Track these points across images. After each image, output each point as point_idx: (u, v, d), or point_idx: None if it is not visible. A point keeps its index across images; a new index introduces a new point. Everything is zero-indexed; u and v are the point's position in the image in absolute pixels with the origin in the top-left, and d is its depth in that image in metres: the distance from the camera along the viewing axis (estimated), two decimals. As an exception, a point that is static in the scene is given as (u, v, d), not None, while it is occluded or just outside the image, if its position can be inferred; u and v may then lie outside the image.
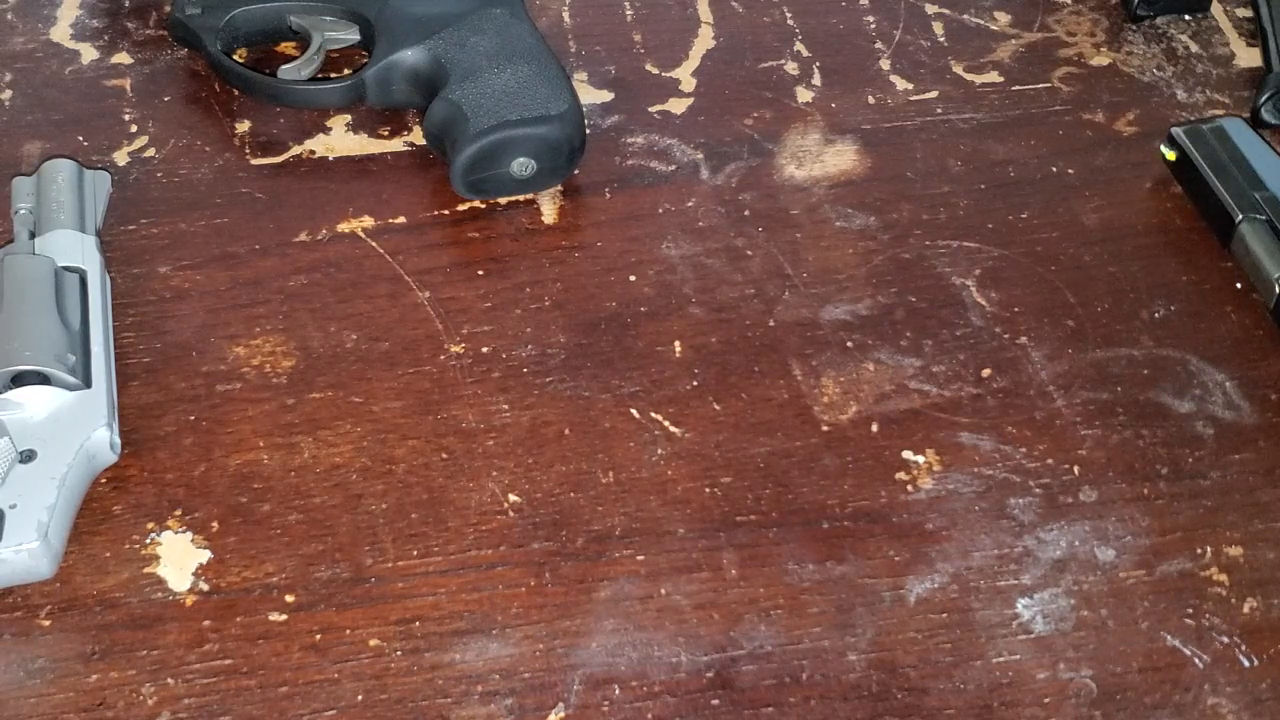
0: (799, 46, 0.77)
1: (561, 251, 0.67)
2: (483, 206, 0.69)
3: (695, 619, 0.55)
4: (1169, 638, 0.55)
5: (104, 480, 0.58)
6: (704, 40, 0.78)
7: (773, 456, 0.60)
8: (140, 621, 0.54)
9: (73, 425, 0.56)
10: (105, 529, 0.57)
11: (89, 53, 0.75)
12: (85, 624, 0.54)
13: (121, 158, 0.70)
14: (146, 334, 0.63)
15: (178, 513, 0.57)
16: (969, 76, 0.76)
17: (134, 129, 0.71)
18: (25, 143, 0.71)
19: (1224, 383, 0.63)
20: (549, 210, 0.69)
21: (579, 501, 0.58)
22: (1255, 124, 0.71)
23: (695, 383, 0.62)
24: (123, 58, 0.75)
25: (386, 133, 0.72)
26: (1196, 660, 0.54)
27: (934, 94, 0.75)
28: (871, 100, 0.74)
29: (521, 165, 0.67)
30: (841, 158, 0.72)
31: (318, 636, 0.54)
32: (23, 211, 0.64)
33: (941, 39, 0.78)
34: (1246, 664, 0.54)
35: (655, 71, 0.76)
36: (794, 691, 0.53)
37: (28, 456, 0.55)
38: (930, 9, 0.80)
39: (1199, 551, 0.57)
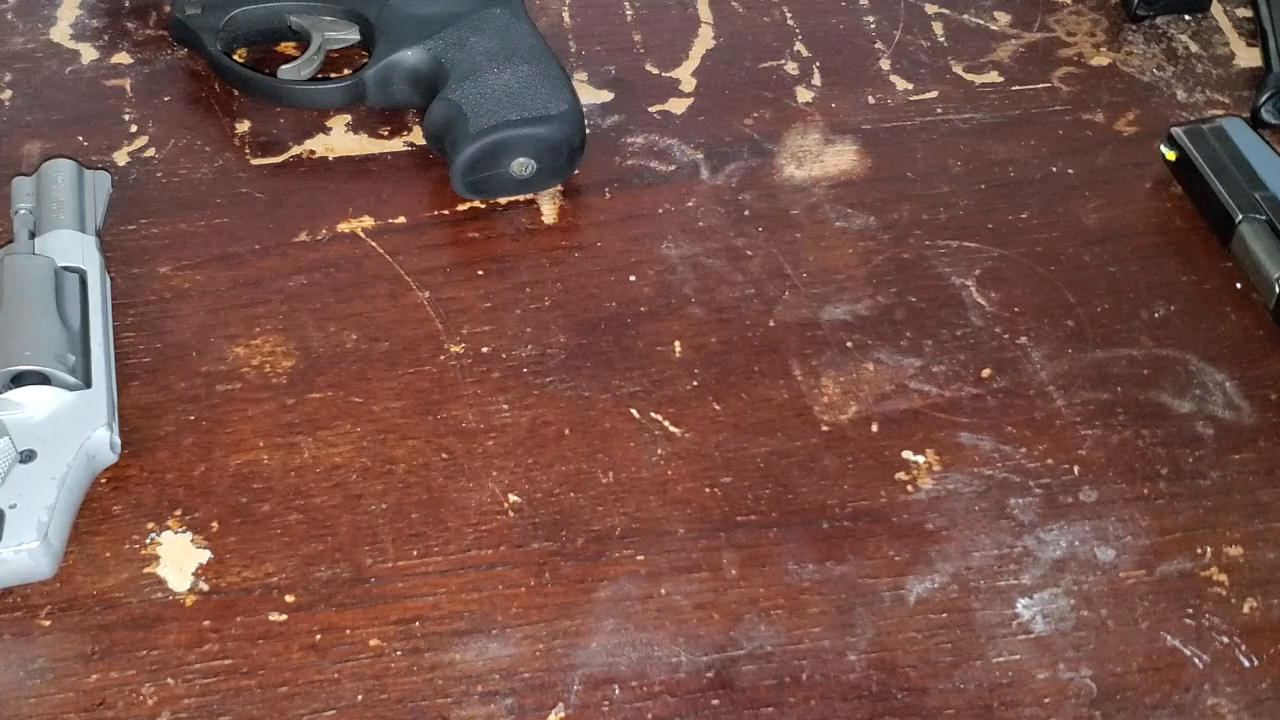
0: (799, 46, 0.77)
1: (561, 251, 0.67)
2: (483, 206, 0.69)
3: (695, 619, 0.55)
4: (1169, 638, 0.55)
5: (104, 480, 0.58)
6: (704, 40, 0.78)
7: (773, 456, 0.60)
8: (140, 621, 0.54)
9: (73, 425, 0.56)
10: (105, 529, 0.57)
11: (89, 53, 0.75)
12: (85, 624, 0.54)
13: (121, 158, 0.70)
14: (146, 334, 0.63)
15: (178, 513, 0.57)
16: (969, 76, 0.76)
17: (134, 129, 0.71)
18: (25, 143, 0.71)
19: (1224, 383, 0.63)
20: (549, 210, 0.69)
21: (579, 501, 0.58)
22: (1255, 124, 0.71)
23: (695, 383, 0.62)
24: (123, 58, 0.75)
25: (386, 133, 0.72)
26: (1196, 660, 0.54)
27: (934, 94, 0.75)
28: (871, 100, 0.74)
29: (521, 165, 0.67)
30: (841, 158, 0.72)
31: (318, 636, 0.54)
32: (23, 211, 0.64)
33: (941, 39, 0.78)
34: (1246, 664, 0.54)
35: (655, 71, 0.76)
36: (794, 691, 0.53)
37: (28, 456, 0.55)
38: (930, 9, 0.80)
39: (1199, 551, 0.57)
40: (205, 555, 0.56)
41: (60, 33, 0.76)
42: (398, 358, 0.63)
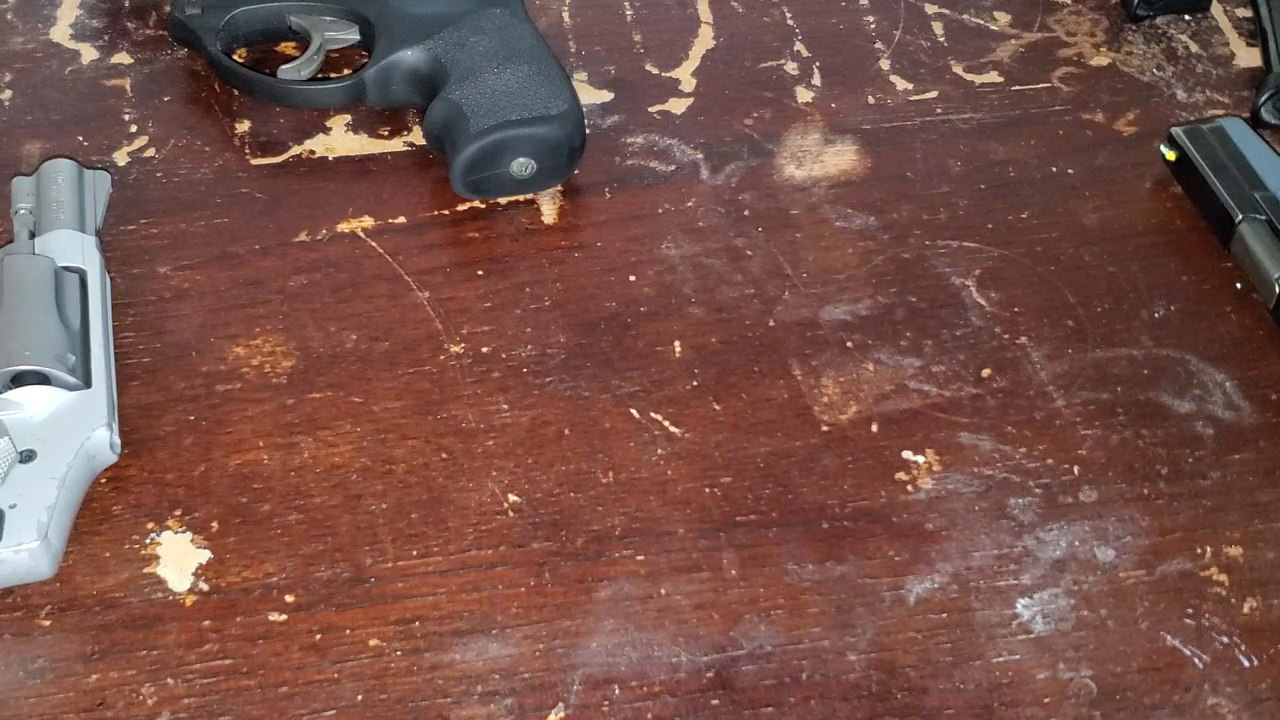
0: (799, 46, 0.77)
1: (561, 251, 0.67)
2: (483, 206, 0.69)
3: (695, 619, 0.55)
4: (1169, 638, 0.55)
5: (104, 480, 0.58)
6: (704, 40, 0.78)
7: (773, 456, 0.60)
8: (140, 621, 0.54)
9: (73, 425, 0.56)
10: (105, 529, 0.57)
11: (89, 53, 0.75)
12: (85, 624, 0.54)
13: (121, 158, 0.70)
14: (146, 334, 0.63)
15: (178, 513, 0.57)
16: (969, 76, 0.76)
17: (134, 129, 0.71)
18: (25, 143, 0.71)
19: (1224, 383, 0.63)
20: (549, 210, 0.69)
21: (579, 501, 0.58)
22: (1255, 124, 0.71)
23: (695, 383, 0.62)
24: (123, 58, 0.75)
25: (386, 133, 0.72)
26: (1196, 660, 0.54)
27: (934, 94, 0.75)
28: (871, 100, 0.74)
29: (521, 165, 0.67)
30: (841, 158, 0.72)
31: (318, 636, 0.54)
32: (23, 211, 0.64)
33: (941, 39, 0.78)
34: (1246, 664, 0.54)
35: (655, 71, 0.76)
36: (794, 691, 0.53)
37: (28, 456, 0.55)
38: (930, 9, 0.80)
39: (1199, 551, 0.57)
40: (205, 555, 0.56)
41: (60, 33, 0.76)
42: (398, 358, 0.63)
